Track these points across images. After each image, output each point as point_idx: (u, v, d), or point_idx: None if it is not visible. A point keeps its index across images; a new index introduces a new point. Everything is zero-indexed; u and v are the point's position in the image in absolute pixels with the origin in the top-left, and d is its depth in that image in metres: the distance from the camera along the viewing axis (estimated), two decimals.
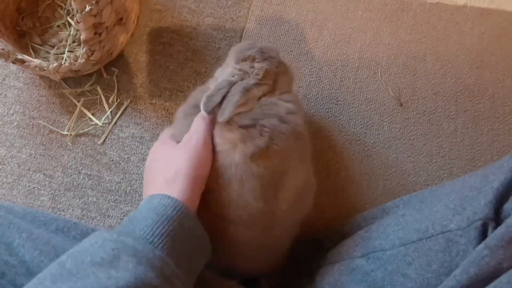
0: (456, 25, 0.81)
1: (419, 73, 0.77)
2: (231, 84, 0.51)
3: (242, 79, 0.52)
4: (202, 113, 0.50)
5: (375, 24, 0.81)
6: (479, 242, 0.40)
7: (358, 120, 0.75)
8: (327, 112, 0.75)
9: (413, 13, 0.82)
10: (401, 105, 0.75)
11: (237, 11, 0.83)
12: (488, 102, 0.75)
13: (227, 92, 0.50)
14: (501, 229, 0.39)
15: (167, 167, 0.49)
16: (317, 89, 0.77)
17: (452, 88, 0.76)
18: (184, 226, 0.43)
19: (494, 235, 0.39)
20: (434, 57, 0.78)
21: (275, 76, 0.54)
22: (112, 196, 0.72)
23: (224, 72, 0.55)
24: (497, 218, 0.41)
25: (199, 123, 0.51)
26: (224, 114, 0.49)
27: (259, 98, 0.52)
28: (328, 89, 0.77)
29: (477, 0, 0.83)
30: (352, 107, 0.76)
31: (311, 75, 0.78)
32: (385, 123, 0.74)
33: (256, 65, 0.53)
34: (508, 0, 0.82)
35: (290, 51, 0.80)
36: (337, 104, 0.76)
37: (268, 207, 0.50)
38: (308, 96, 0.77)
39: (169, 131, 0.56)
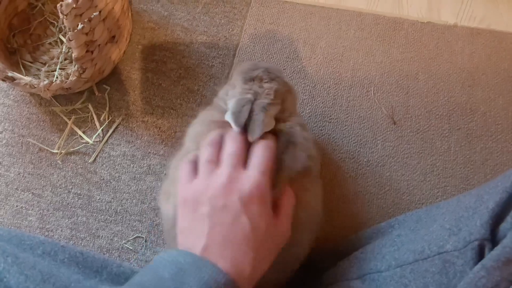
0: (447, 44, 0.81)
1: (411, 92, 0.78)
2: (251, 101, 0.51)
3: (255, 99, 0.52)
4: (234, 128, 0.49)
5: (367, 43, 0.82)
6: (476, 263, 0.40)
7: (351, 138, 0.75)
8: (321, 130, 0.75)
9: (404, 32, 0.83)
10: (394, 123, 0.75)
11: (230, 29, 0.84)
12: (480, 120, 0.75)
13: (251, 108, 0.50)
14: (497, 250, 0.38)
15: (263, 245, 0.43)
16: (310, 107, 0.77)
17: (444, 107, 0.76)
18: None
19: (491, 256, 0.38)
20: (426, 76, 0.79)
21: (283, 96, 0.54)
22: (102, 216, 0.71)
23: (233, 92, 0.54)
24: (493, 238, 0.40)
25: (292, 198, 0.48)
26: (256, 133, 0.48)
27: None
28: (321, 107, 0.77)
29: (467, 20, 0.84)
30: (345, 125, 0.75)
31: (304, 93, 0.78)
32: (378, 141, 0.74)
33: (265, 85, 0.53)
34: (498, 20, 0.83)
35: (283, 69, 0.80)
36: (330, 122, 0.76)
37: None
38: (302, 114, 0.76)
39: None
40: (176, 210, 0.48)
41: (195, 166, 0.49)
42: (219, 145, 0.49)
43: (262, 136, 0.49)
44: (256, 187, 0.44)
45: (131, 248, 0.69)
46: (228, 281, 0.39)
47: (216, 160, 0.47)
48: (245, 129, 0.49)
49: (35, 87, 0.67)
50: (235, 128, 0.49)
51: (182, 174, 0.49)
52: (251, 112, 0.50)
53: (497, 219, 0.41)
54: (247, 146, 0.49)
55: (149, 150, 0.75)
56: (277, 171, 0.48)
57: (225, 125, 0.50)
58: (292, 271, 0.53)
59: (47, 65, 0.80)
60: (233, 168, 0.45)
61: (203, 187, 0.45)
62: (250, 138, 0.48)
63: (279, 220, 0.46)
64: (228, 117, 0.49)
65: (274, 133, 0.51)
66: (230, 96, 0.54)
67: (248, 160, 0.47)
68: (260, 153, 0.47)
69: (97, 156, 0.74)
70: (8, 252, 0.42)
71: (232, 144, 0.48)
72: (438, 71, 0.79)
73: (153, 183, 0.72)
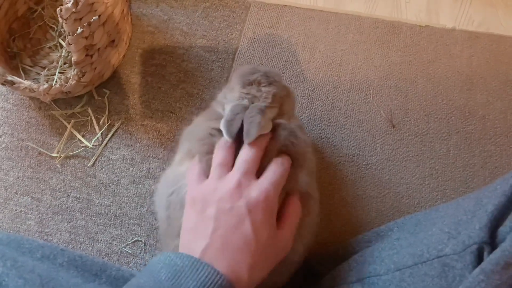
0: (445, 48, 0.82)
1: (410, 95, 0.78)
2: (246, 108, 0.51)
3: (252, 103, 0.52)
4: (226, 138, 0.49)
5: (366, 47, 0.82)
6: (475, 267, 0.40)
7: (350, 141, 0.75)
8: (320, 133, 0.75)
9: (403, 36, 0.83)
10: (393, 126, 0.76)
11: (230, 33, 0.84)
12: (479, 123, 0.75)
13: (247, 112, 0.50)
14: (496, 253, 0.38)
15: (262, 253, 0.43)
16: (309, 110, 0.77)
17: (443, 110, 0.76)
18: None
19: (490, 260, 0.38)
20: (425, 79, 0.79)
21: (281, 99, 0.55)
22: (102, 220, 0.71)
23: (231, 96, 0.54)
24: (492, 242, 0.40)
25: (298, 212, 0.48)
26: (251, 135, 0.48)
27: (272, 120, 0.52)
28: (320, 110, 0.77)
29: (465, 24, 0.84)
30: (344, 129, 0.76)
31: (303, 96, 0.78)
32: (377, 145, 0.74)
33: (263, 89, 0.53)
34: (496, 23, 0.84)
35: (282, 73, 0.80)
36: (329, 125, 0.76)
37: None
38: (301, 117, 0.77)
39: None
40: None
41: (205, 168, 0.49)
42: (231, 150, 0.49)
43: (278, 155, 0.49)
44: (264, 196, 0.45)
45: (130, 252, 0.68)
46: (225, 282, 0.39)
47: (228, 164, 0.48)
48: (240, 133, 0.49)
49: (34, 91, 0.67)
50: (226, 138, 0.49)
51: (192, 175, 0.49)
52: (246, 116, 0.50)
53: (496, 222, 0.41)
54: (261, 157, 0.49)
55: (148, 154, 0.75)
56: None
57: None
58: (288, 274, 0.53)
59: (46, 69, 0.81)
60: (244, 174, 0.46)
61: (213, 189, 0.46)
62: (246, 140, 0.48)
63: (282, 232, 0.46)
64: (221, 126, 0.49)
65: (275, 142, 0.51)
66: (228, 100, 0.54)
67: (263, 173, 0.48)
68: (275, 168, 0.47)
69: (96, 159, 0.74)
70: (7, 256, 0.42)
71: (245, 152, 0.48)
72: (437, 75, 0.79)
73: (152, 186, 0.72)
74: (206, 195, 0.46)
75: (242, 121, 0.49)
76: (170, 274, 0.39)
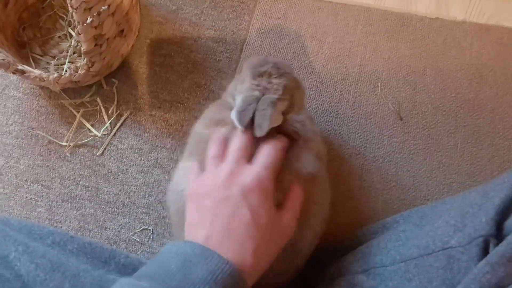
0: (455, 40, 0.81)
1: (419, 88, 0.77)
2: (258, 99, 0.51)
3: (263, 94, 0.52)
4: (238, 127, 0.50)
5: (375, 39, 0.82)
6: (480, 259, 0.40)
7: (358, 133, 0.75)
8: (327, 125, 0.75)
9: (413, 28, 0.82)
10: (401, 119, 0.75)
11: (238, 24, 0.84)
12: (487, 117, 0.75)
13: (258, 104, 0.50)
14: (502, 246, 0.39)
15: (264, 236, 0.44)
16: (317, 102, 0.77)
17: (452, 103, 0.76)
18: None
19: (496, 252, 0.39)
20: (433, 72, 0.79)
21: (291, 91, 0.55)
22: (110, 208, 0.71)
23: (242, 87, 0.55)
24: (498, 235, 0.41)
25: (300, 195, 0.49)
26: (263, 128, 0.48)
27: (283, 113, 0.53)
28: (328, 102, 0.77)
29: (476, 16, 0.83)
30: (352, 121, 0.76)
31: (311, 88, 0.78)
32: (385, 137, 0.74)
33: (274, 80, 0.53)
34: (507, 16, 0.83)
35: (291, 64, 0.80)
36: (337, 117, 0.76)
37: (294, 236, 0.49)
38: (308, 109, 0.77)
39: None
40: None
41: (202, 162, 0.51)
42: (225, 141, 0.50)
43: (273, 135, 0.50)
44: (257, 180, 0.45)
45: (138, 240, 0.69)
46: (233, 270, 0.40)
47: (221, 156, 0.49)
48: (252, 124, 0.50)
49: (44, 80, 0.68)
50: (239, 127, 0.50)
51: (191, 171, 0.51)
52: (258, 108, 0.50)
53: (502, 215, 0.41)
54: (254, 143, 0.50)
55: (156, 144, 0.75)
56: (285, 169, 0.49)
57: (230, 123, 0.52)
58: (298, 266, 0.53)
59: (56, 58, 0.81)
60: (236, 162, 0.47)
61: (208, 181, 0.47)
62: (258, 133, 0.49)
63: (283, 214, 0.47)
64: (233, 116, 0.50)
65: (282, 129, 0.52)
66: (239, 91, 0.54)
67: (254, 157, 0.49)
68: (267, 152, 0.48)
69: (105, 149, 0.75)
70: (19, 241, 0.43)
71: (236, 140, 0.49)
72: (446, 67, 0.79)
73: (160, 176, 0.73)
74: (201, 188, 0.47)
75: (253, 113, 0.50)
76: (180, 263, 0.40)
